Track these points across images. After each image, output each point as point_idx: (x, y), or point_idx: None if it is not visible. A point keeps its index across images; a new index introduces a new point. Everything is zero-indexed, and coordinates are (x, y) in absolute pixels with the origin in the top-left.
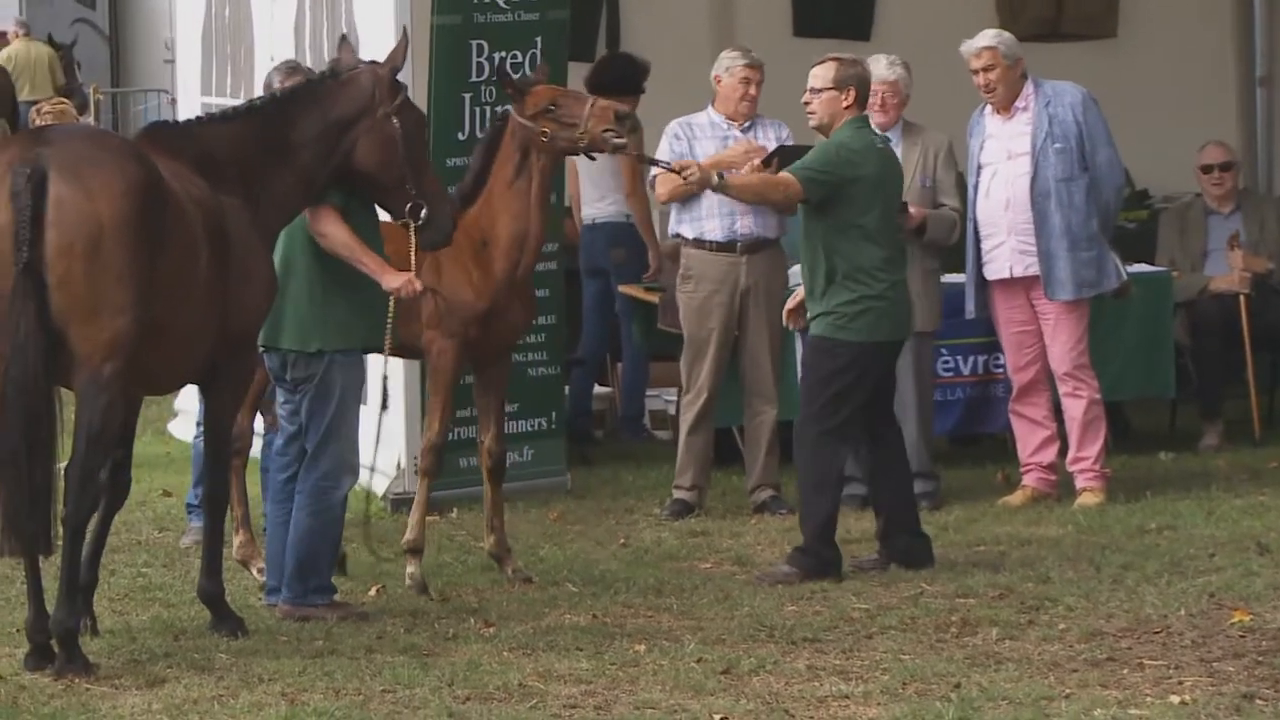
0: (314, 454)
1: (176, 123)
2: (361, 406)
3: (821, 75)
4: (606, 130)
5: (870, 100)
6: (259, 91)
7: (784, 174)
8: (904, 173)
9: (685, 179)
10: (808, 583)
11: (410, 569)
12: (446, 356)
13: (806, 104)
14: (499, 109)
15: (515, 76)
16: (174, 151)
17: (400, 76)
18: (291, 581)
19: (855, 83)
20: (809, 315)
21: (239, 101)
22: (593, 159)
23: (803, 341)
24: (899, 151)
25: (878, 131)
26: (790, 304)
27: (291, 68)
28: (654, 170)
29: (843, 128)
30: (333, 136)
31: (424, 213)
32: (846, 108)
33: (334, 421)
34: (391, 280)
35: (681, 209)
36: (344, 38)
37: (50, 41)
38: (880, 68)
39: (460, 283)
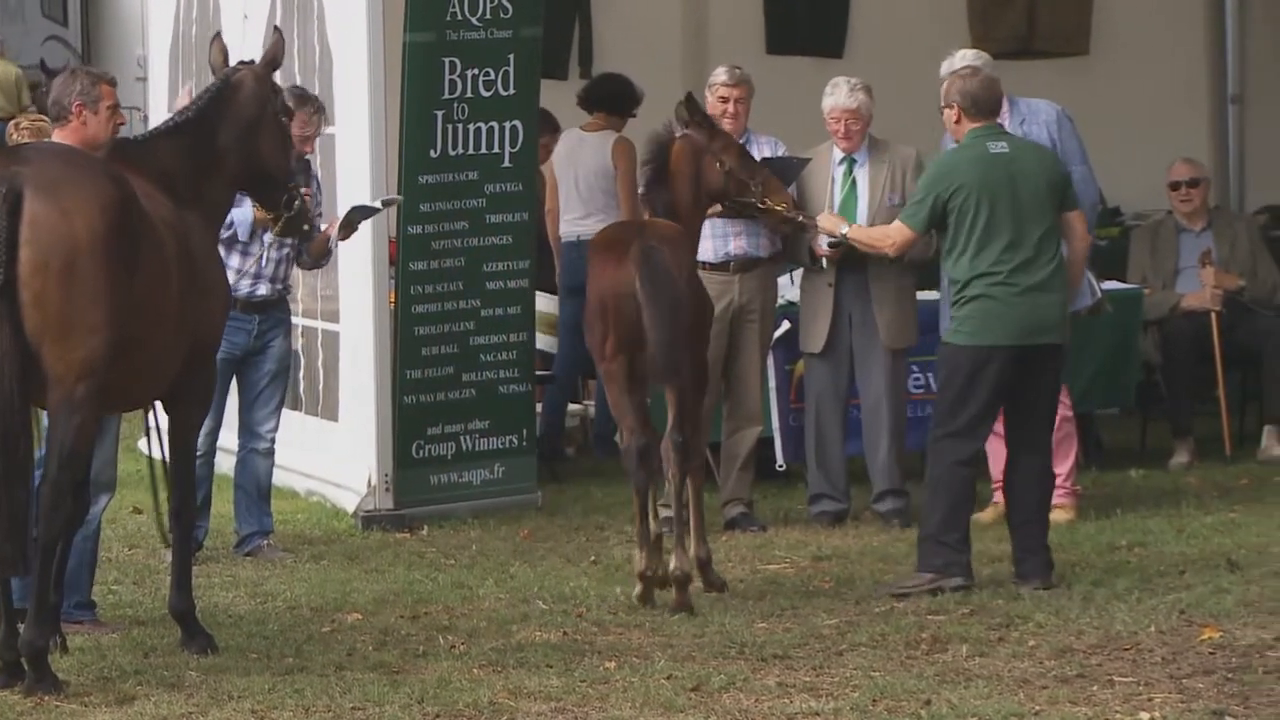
0: None
1: (139, 139)
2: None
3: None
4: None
5: (834, 128)
6: None
7: (895, 223)
8: (886, 189)
9: (808, 226)
10: (938, 585)
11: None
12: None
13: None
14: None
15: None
16: (140, 168)
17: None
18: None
19: (956, 98)
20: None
21: None
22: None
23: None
24: (865, 171)
25: (1007, 133)
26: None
27: (299, 94)
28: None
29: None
30: (245, 139)
31: (296, 203)
32: (957, 123)
33: None
34: None
35: None
36: (218, 35)
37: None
38: (841, 95)
39: None
